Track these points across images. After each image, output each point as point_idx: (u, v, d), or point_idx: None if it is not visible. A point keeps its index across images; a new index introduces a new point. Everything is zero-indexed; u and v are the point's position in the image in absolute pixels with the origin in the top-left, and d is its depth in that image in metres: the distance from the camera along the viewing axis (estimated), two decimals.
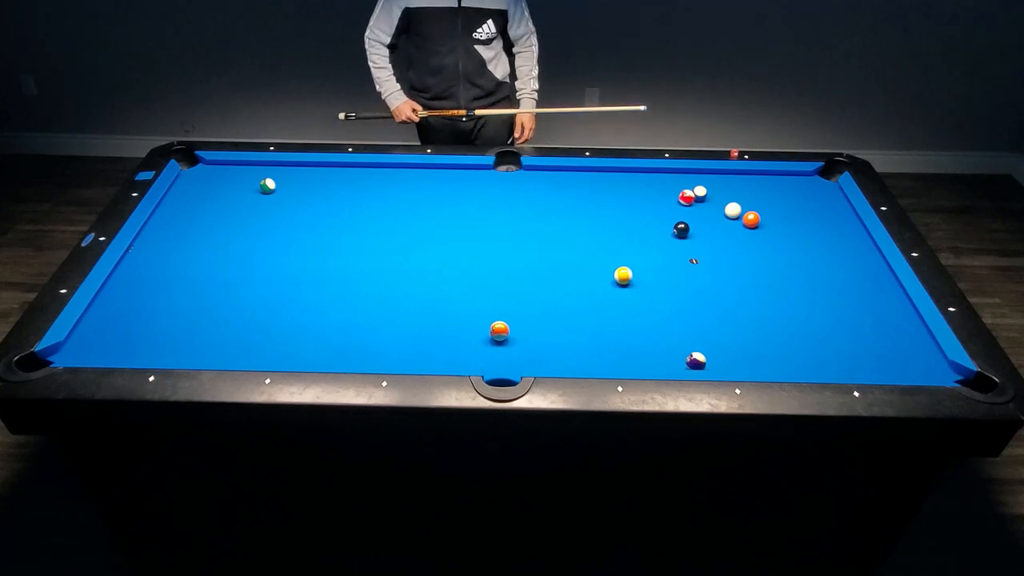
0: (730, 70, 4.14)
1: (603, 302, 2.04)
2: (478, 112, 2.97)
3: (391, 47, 2.92)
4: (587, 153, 2.68)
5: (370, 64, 2.94)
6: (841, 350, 1.89)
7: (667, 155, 2.68)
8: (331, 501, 2.05)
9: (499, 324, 1.88)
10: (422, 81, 2.97)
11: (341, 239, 2.28)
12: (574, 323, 1.97)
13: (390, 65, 2.94)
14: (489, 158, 2.65)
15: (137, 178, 2.46)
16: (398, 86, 2.96)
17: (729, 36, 4.04)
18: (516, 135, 3.05)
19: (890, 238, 2.23)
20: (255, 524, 2.13)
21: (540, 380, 1.72)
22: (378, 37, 2.89)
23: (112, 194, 2.42)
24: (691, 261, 2.21)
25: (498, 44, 2.94)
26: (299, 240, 2.27)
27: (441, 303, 2.03)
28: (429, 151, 2.72)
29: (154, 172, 2.49)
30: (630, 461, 1.93)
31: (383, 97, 2.97)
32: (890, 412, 1.66)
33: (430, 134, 3.09)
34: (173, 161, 2.58)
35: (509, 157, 2.66)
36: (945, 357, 1.84)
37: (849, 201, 2.47)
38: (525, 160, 2.64)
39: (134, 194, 2.38)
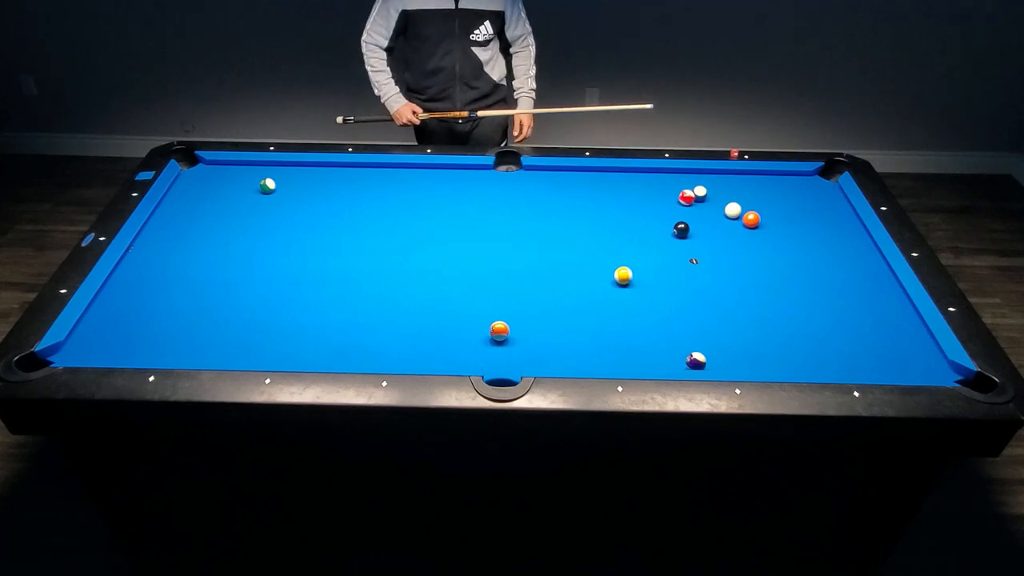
0: (730, 70, 4.14)
1: (603, 302, 2.04)
2: (480, 113, 2.97)
3: (388, 50, 2.91)
4: (587, 153, 2.68)
5: (368, 68, 2.93)
6: (841, 350, 1.89)
7: (667, 155, 2.67)
8: (331, 501, 2.05)
9: (499, 324, 1.88)
10: (418, 83, 2.96)
11: (341, 239, 2.28)
12: (574, 323, 1.97)
13: (388, 68, 2.94)
14: (489, 158, 2.64)
15: (137, 178, 2.46)
16: (397, 89, 2.95)
17: (729, 36, 4.04)
18: (515, 133, 3.04)
19: (890, 238, 2.23)
20: (255, 524, 2.13)
21: (540, 380, 1.72)
22: (375, 40, 2.88)
23: (112, 194, 2.42)
24: (691, 261, 2.21)
25: (495, 46, 2.94)
26: (299, 240, 2.27)
27: (441, 303, 2.03)
28: (429, 151, 2.71)
29: (154, 172, 2.49)
30: (630, 461, 1.93)
31: (383, 100, 2.97)
32: (890, 412, 1.66)
33: (427, 135, 3.09)
34: (173, 161, 2.58)
35: (509, 157, 2.66)
36: (945, 357, 1.84)
37: (849, 201, 2.47)
38: (525, 160, 2.64)
39: (134, 194, 2.38)
